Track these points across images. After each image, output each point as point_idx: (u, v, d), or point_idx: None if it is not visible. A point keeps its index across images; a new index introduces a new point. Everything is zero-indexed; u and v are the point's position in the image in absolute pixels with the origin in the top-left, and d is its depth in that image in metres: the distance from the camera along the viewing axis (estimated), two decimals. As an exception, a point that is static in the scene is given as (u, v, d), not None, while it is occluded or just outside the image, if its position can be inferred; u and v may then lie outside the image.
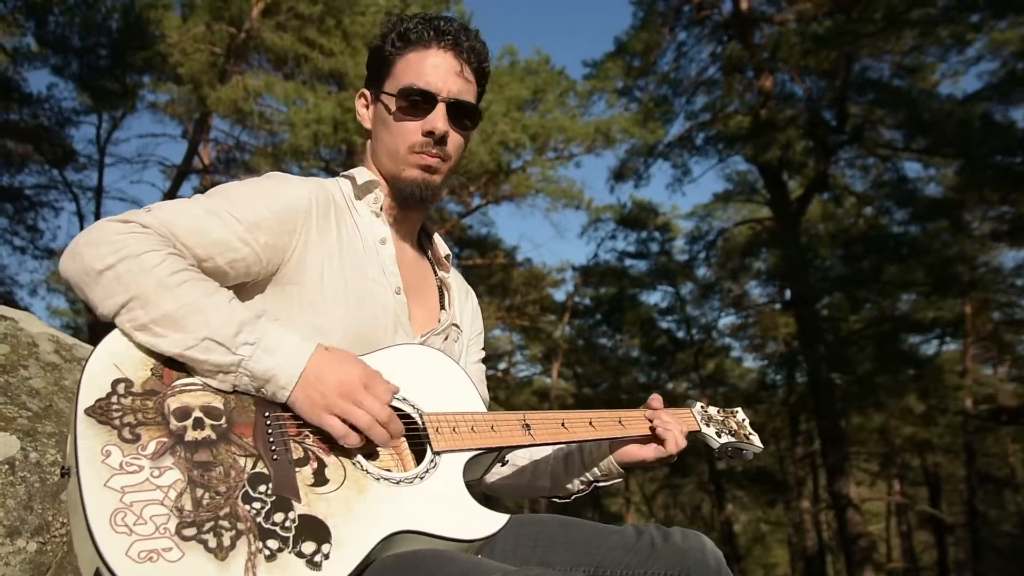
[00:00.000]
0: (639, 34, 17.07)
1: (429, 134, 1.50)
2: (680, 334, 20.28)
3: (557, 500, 1.77)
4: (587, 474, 1.69)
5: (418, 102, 1.50)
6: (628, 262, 19.50)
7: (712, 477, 20.45)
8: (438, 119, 1.49)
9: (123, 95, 14.24)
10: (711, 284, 19.32)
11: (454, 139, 1.53)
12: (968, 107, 13.51)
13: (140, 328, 1.15)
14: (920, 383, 16.88)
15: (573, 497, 1.75)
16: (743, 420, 1.90)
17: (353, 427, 1.19)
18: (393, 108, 1.51)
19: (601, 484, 1.71)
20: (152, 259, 1.17)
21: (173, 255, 1.21)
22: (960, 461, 19.75)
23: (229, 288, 1.37)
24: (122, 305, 1.15)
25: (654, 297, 20.61)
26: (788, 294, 17.66)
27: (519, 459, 1.77)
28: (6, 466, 1.51)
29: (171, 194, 15.30)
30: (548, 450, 1.74)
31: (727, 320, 21.26)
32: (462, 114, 1.53)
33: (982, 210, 14.81)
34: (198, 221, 1.29)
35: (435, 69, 1.51)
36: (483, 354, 1.83)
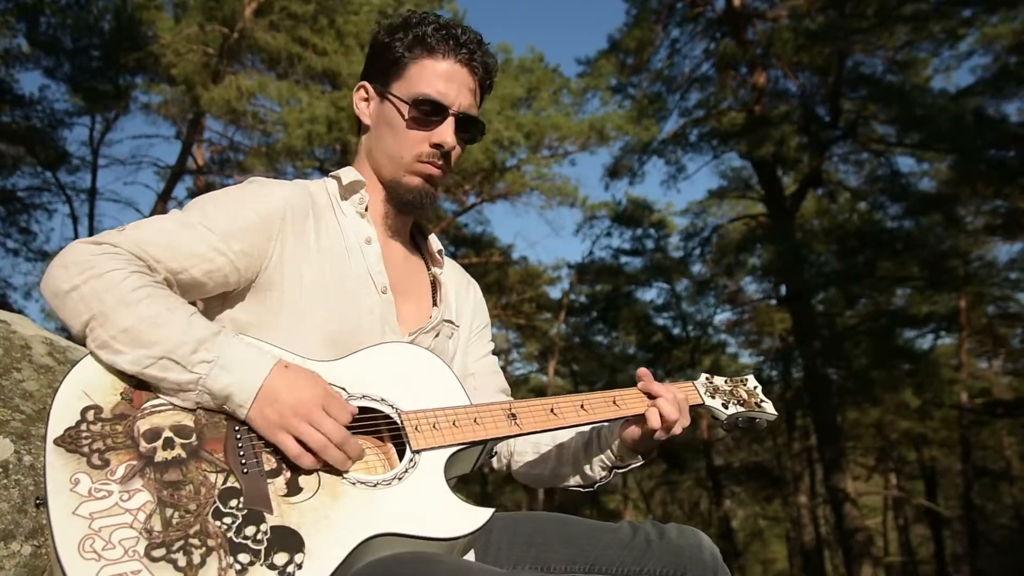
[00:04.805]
0: (632, 31, 17.10)
1: (437, 146, 1.49)
2: (676, 331, 20.26)
3: (580, 489, 1.72)
4: (604, 459, 1.64)
5: (429, 112, 1.48)
6: (623, 259, 19.52)
7: (710, 473, 20.47)
8: (447, 133, 1.49)
9: (116, 96, 14.18)
10: (706, 280, 19.33)
11: (456, 151, 1.53)
12: (961, 102, 13.56)
13: (101, 346, 1.16)
14: (916, 377, 16.93)
15: (596, 485, 1.70)
16: (755, 388, 1.81)
17: (307, 447, 1.17)
18: (405, 114, 1.49)
19: (620, 469, 1.66)
20: (115, 277, 1.17)
21: (137, 272, 1.20)
22: (956, 455, 19.79)
23: (210, 298, 1.38)
24: (86, 324, 1.16)
25: (649, 294, 20.67)
26: (783, 290, 17.69)
27: (543, 446, 1.73)
28: (0, 469, 1.50)
29: (166, 194, 15.28)
30: (571, 435, 1.70)
31: (723, 316, 21.27)
32: (468, 128, 1.53)
33: (976, 204, 14.87)
34: (170, 235, 1.29)
35: (449, 81, 1.49)
36: (492, 346, 1.80)
